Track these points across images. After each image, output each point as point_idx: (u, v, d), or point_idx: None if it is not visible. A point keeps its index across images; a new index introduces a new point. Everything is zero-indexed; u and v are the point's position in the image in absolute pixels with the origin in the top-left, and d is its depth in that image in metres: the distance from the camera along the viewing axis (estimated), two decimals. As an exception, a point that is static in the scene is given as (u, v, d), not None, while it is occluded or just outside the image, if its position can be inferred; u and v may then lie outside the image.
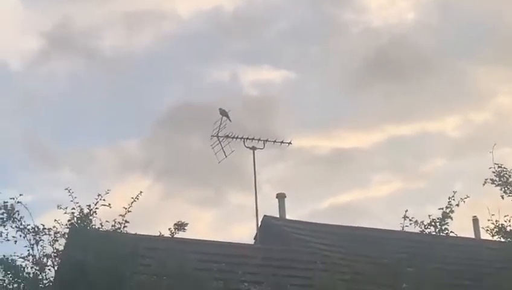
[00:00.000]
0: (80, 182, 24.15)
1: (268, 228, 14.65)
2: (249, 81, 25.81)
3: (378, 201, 25.23)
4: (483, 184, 11.65)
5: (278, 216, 15.14)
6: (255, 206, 14.61)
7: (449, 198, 11.73)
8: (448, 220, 11.74)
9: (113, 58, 25.70)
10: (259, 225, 14.64)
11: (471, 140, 25.65)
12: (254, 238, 14.69)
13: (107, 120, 24.65)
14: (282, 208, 15.15)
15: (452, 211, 11.74)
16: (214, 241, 13.73)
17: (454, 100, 25.01)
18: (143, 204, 10.99)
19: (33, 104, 24.90)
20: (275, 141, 14.91)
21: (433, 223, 11.82)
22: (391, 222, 23.76)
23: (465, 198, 11.78)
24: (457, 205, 11.76)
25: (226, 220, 25.16)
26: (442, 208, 11.73)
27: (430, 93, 24.25)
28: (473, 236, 15.96)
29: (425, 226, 11.90)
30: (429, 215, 11.79)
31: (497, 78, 25.42)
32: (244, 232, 23.99)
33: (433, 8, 26.24)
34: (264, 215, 14.76)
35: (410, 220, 11.76)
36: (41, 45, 26.22)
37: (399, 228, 12.27)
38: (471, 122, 26.23)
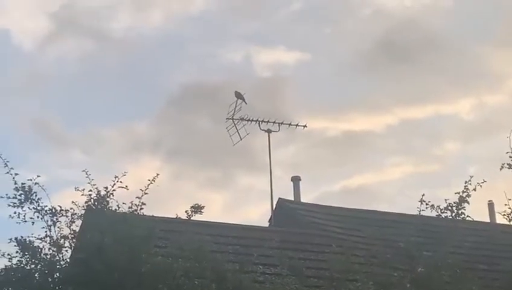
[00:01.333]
0: (91, 163, 24.29)
1: (283, 210, 14.66)
2: (261, 62, 25.86)
3: (391, 184, 25.26)
4: (500, 169, 11.59)
5: (292, 199, 15.14)
6: (270, 189, 14.68)
7: (466, 182, 11.66)
8: (465, 205, 11.68)
9: (123, 39, 25.79)
10: (274, 208, 14.65)
11: (485, 123, 25.55)
12: (269, 221, 14.71)
13: (116, 101, 24.70)
14: (296, 190, 15.16)
15: (469, 196, 11.67)
16: (229, 223, 13.73)
17: (468, 83, 24.98)
18: (153, 185, 10.97)
19: (43, 85, 24.98)
20: (290, 124, 14.92)
21: (449, 208, 11.75)
22: (404, 205, 23.94)
23: (482, 182, 11.70)
24: (474, 189, 11.69)
25: (238, 202, 25.27)
26: (459, 192, 11.67)
27: (442, 75, 24.23)
28: (488, 220, 15.95)
29: (441, 210, 11.82)
30: (446, 200, 11.73)
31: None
32: (257, 214, 24.10)
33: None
34: (279, 198, 14.77)
35: (427, 204, 11.70)
36: (50, 25, 26.24)
37: (414, 212, 12.22)
38: (485, 104, 26.12)
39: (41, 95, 25.21)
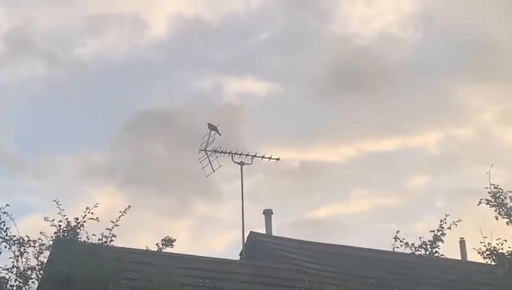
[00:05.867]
0: (46, 189, 23.79)
1: (255, 244, 14.47)
2: (218, 90, 25.60)
3: (359, 216, 25.12)
4: (478, 204, 11.55)
5: (263, 232, 14.98)
6: (241, 221, 14.50)
7: (441, 221, 11.64)
8: (439, 243, 11.65)
9: (80, 64, 25.42)
10: (245, 241, 14.47)
11: (452, 156, 25.60)
12: (240, 254, 14.52)
13: (72, 127, 24.30)
14: (268, 224, 14.99)
15: (444, 234, 11.65)
16: (200, 256, 13.56)
17: (435, 115, 24.94)
18: (107, 212, 10.81)
19: None
20: (263, 157, 14.82)
21: (424, 246, 11.71)
22: (373, 238, 23.83)
23: (458, 221, 11.70)
24: (449, 228, 11.68)
25: (201, 232, 24.93)
26: (434, 231, 11.64)
27: (410, 108, 24.22)
28: (460, 258, 15.88)
29: (416, 248, 11.78)
30: (420, 238, 11.69)
31: (479, 94, 25.40)
32: (222, 244, 23.81)
33: (417, 22, 26.19)
34: (251, 231, 14.61)
35: (401, 241, 11.64)
36: (1, 47, 25.79)
37: (383, 245, 12.19)
38: (452, 138, 26.19)
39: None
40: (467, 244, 15.81)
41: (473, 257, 15.37)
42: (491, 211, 11.66)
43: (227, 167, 14.80)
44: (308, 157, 23.89)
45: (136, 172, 22.12)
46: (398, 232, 11.55)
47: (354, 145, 25.01)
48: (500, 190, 11.51)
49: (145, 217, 22.11)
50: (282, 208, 20.99)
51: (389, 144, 25.76)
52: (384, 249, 13.88)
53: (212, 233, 24.66)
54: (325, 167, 24.33)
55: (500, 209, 11.45)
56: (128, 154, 23.02)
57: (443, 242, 11.67)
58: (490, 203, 11.49)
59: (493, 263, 11.78)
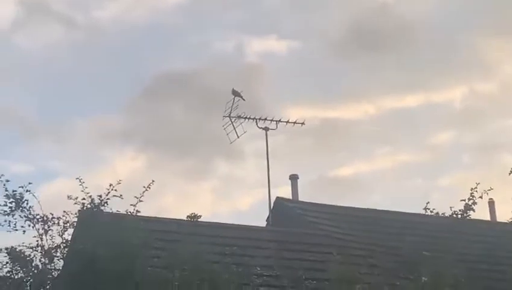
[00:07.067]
0: (65, 154, 23.78)
1: (281, 210, 14.35)
2: (238, 50, 25.26)
3: (383, 173, 24.91)
4: (510, 173, 11.28)
5: (290, 197, 14.84)
6: (267, 185, 14.33)
7: (471, 189, 11.40)
8: (470, 213, 11.44)
9: (94, 27, 25.16)
10: (271, 207, 14.35)
11: (477, 111, 25.22)
12: (266, 220, 14.41)
13: (89, 90, 24.15)
14: (294, 189, 14.84)
15: (475, 203, 11.42)
16: (226, 223, 13.44)
17: (458, 71, 24.56)
18: (129, 177, 10.68)
19: (12, 74, 24.29)
20: (287, 122, 14.57)
21: (455, 215, 11.50)
22: (398, 195, 23.66)
23: (489, 190, 11.47)
24: (481, 197, 11.45)
25: (224, 192, 24.87)
26: (465, 200, 11.41)
27: (432, 64, 23.77)
28: (489, 218, 15.66)
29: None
30: (451, 208, 11.48)
31: (501, 48, 24.87)
32: (246, 204, 23.76)
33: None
34: (277, 197, 14.46)
35: (431, 211, 11.44)
36: (18, 11, 25.54)
37: (408, 202, 11.99)
38: (476, 93, 25.76)
39: (10, 85, 24.48)
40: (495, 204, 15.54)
41: (502, 216, 15.26)
42: None
43: (251, 132, 14.63)
44: (331, 115, 23.68)
45: (156, 135, 22.07)
46: (428, 203, 11.36)
47: (376, 103, 24.74)
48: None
49: (168, 180, 22.14)
50: (306, 168, 20.89)
51: (411, 101, 25.47)
52: (413, 212, 13.81)
53: (237, 193, 24.65)
54: (347, 125, 24.14)
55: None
56: (147, 117, 22.97)
57: (474, 211, 11.47)
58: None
59: None
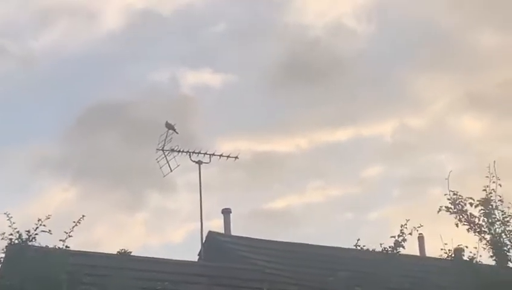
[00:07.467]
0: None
1: (213, 243, 14.29)
2: (173, 82, 25.25)
3: (315, 207, 25.01)
4: (438, 211, 11.46)
5: (222, 231, 14.79)
6: (200, 219, 14.34)
7: (401, 226, 11.57)
8: (400, 249, 11.59)
9: (27, 57, 24.89)
10: (203, 241, 14.29)
11: (407, 145, 25.60)
12: (198, 255, 14.34)
13: (22, 120, 23.80)
14: (227, 223, 14.80)
15: (405, 240, 11.59)
16: (158, 258, 13.34)
17: (389, 105, 24.91)
18: (61, 207, 10.56)
19: None
20: (221, 155, 14.61)
21: (384, 251, 11.63)
22: (329, 229, 23.82)
23: (419, 227, 11.65)
24: (410, 233, 11.63)
25: (157, 224, 24.63)
26: (395, 236, 11.57)
27: (364, 99, 24.10)
28: (418, 253, 15.87)
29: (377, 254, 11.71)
30: (381, 244, 11.61)
31: (432, 84, 25.39)
32: (179, 236, 23.57)
33: (370, 13, 26.02)
34: (209, 231, 14.41)
35: (362, 248, 11.56)
36: None
37: (342, 237, 12.12)
38: (407, 127, 26.18)
39: None
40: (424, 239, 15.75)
41: (431, 251, 15.47)
42: (444, 199, 11.61)
43: (184, 165, 14.61)
44: (264, 149, 23.71)
45: (89, 166, 21.84)
46: (358, 240, 11.51)
47: (309, 136, 24.87)
48: (460, 197, 11.43)
49: (100, 211, 21.87)
50: (239, 201, 20.90)
51: (343, 135, 25.68)
52: (345, 247, 13.89)
53: (169, 226, 24.46)
54: (280, 158, 24.19)
55: (461, 216, 11.40)
56: (81, 147, 22.72)
57: (404, 248, 11.62)
58: (450, 210, 11.41)
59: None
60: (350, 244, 12.66)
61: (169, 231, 24.35)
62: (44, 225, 10.13)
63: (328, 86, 24.52)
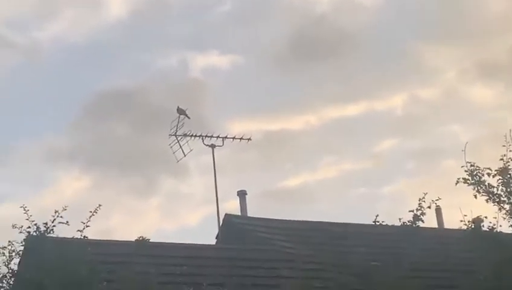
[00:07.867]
0: (8, 176, 23.35)
1: (231, 226, 14.24)
2: (176, 66, 25.18)
3: (328, 183, 24.99)
4: (456, 183, 11.36)
5: (238, 213, 14.75)
6: (216, 201, 14.28)
7: (419, 199, 11.46)
8: (419, 223, 11.50)
9: (34, 48, 24.83)
10: (220, 224, 14.25)
11: (418, 118, 25.49)
12: (216, 238, 14.30)
13: (30, 112, 23.80)
14: (243, 204, 14.75)
15: (424, 214, 11.48)
16: (176, 243, 13.31)
17: (399, 78, 24.81)
18: (75, 197, 10.52)
19: None
20: (234, 138, 14.56)
21: (403, 226, 11.55)
22: (343, 204, 23.79)
23: (437, 200, 11.55)
24: (429, 207, 11.52)
25: (171, 208, 24.72)
26: (413, 211, 11.47)
27: (373, 72, 24.00)
28: (436, 225, 15.80)
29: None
30: (399, 219, 11.52)
31: (443, 55, 25.23)
32: (194, 219, 23.60)
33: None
34: (226, 214, 14.37)
35: (381, 224, 11.48)
36: None
37: (357, 211, 12.03)
38: (417, 99, 26.05)
39: None
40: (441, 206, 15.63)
41: (448, 223, 15.41)
42: (460, 170, 11.52)
43: (197, 149, 14.55)
44: (274, 128, 23.71)
45: (100, 154, 21.86)
46: (377, 216, 11.41)
47: (319, 113, 24.84)
48: (477, 168, 11.32)
49: (113, 199, 21.93)
50: (253, 181, 20.88)
51: (353, 110, 25.68)
52: (363, 223, 13.82)
53: (184, 210, 24.53)
54: (291, 136, 24.17)
55: (479, 187, 11.29)
56: (92, 136, 22.76)
57: (423, 222, 11.52)
58: (468, 182, 11.30)
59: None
60: (365, 220, 12.65)
61: (183, 215, 24.43)
62: (61, 217, 10.10)
63: (337, 62, 24.44)
